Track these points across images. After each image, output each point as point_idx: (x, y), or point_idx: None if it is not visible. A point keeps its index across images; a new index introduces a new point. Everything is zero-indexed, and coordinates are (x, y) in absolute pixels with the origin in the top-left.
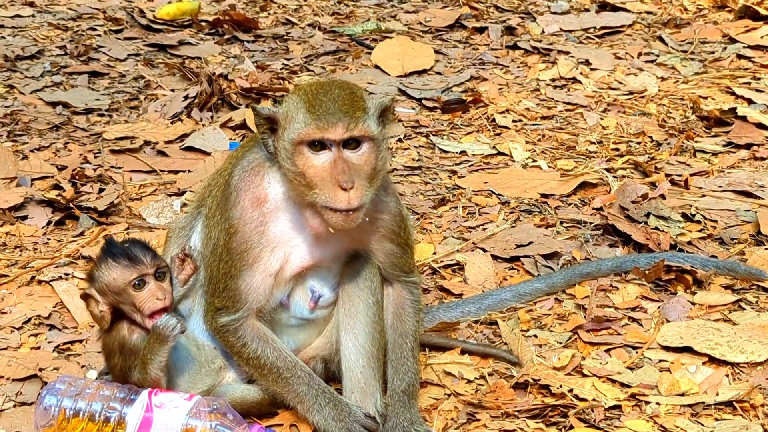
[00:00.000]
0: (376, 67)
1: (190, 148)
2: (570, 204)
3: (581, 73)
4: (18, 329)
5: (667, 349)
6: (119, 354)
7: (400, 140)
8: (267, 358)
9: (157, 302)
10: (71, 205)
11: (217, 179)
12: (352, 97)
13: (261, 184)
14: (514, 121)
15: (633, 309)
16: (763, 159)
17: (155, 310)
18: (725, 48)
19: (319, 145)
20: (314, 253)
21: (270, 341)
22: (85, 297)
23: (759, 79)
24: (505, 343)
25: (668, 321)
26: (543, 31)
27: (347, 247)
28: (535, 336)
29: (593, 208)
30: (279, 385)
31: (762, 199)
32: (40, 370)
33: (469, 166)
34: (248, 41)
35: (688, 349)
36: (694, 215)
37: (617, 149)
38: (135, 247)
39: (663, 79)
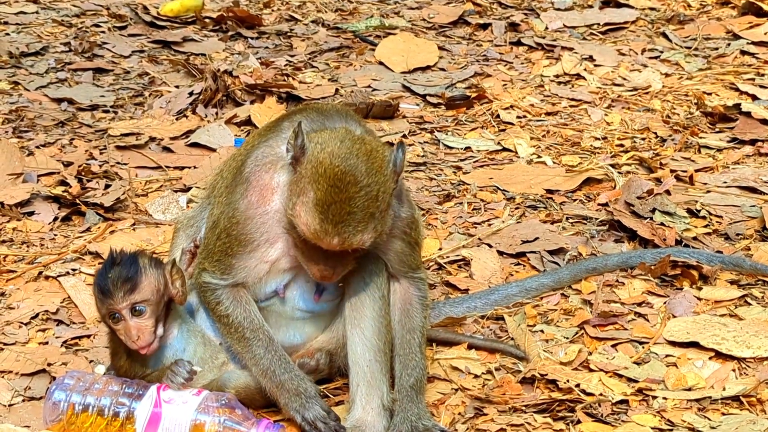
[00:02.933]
0: (380, 63)
1: (195, 144)
2: (575, 200)
3: (585, 69)
4: (26, 324)
5: (673, 344)
6: (126, 357)
7: (404, 136)
8: (236, 318)
9: (131, 343)
10: (77, 201)
11: (229, 163)
12: (364, 204)
13: (270, 182)
14: (518, 117)
15: (639, 304)
16: (767, 155)
17: (134, 348)
18: (729, 44)
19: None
20: None
21: (244, 304)
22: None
23: (763, 75)
24: (512, 338)
25: (674, 316)
26: (547, 28)
27: None
28: (542, 331)
29: (598, 204)
30: (240, 344)
31: (767, 194)
32: (49, 365)
33: (474, 161)
34: (252, 38)
35: (694, 344)
36: (699, 211)
37: (622, 145)
38: (120, 276)
39: (667, 75)
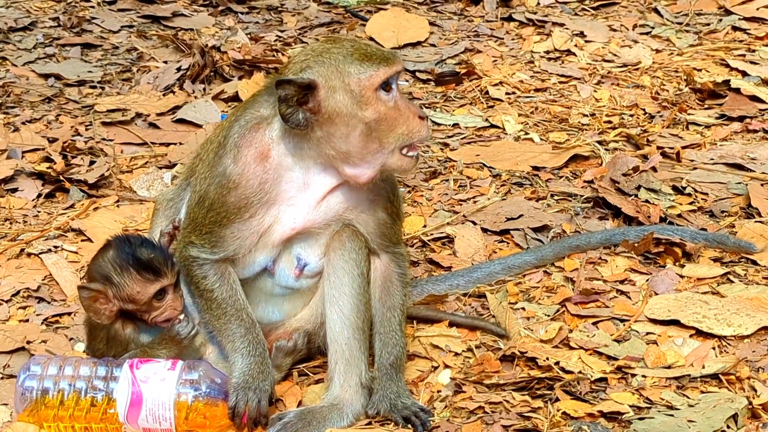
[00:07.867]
0: (371, 38)
1: (181, 121)
2: (561, 177)
3: (576, 45)
4: (6, 302)
5: (654, 321)
6: (105, 342)
7: None
8: (220, 294)
9: (173, 312)
10: (62, 178)
11: (206, 146)
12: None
13: (263, 139)
14: (507, 93)
15: (621, 282)
16: (755, 131)
17: (172, 318)
18: (720, 20)
19: (386, 85)
20: (308, 216)
21: (231, 282)
22: (91, 295)
23: (754, 51)
24: (493, 316)
25: (656, 294)
26: (538, 3)
27: (341, 213)
28: (523, 309)
29: (584, 181)
30: (220, 320)
31: (753, 171)
32: (28, 342)
33: (462, 138)
34: (242, 13)
35: (675, 322)
36: (684, 188)
37: (610, 122)
38: (158, 255)
39: (657, 51)
